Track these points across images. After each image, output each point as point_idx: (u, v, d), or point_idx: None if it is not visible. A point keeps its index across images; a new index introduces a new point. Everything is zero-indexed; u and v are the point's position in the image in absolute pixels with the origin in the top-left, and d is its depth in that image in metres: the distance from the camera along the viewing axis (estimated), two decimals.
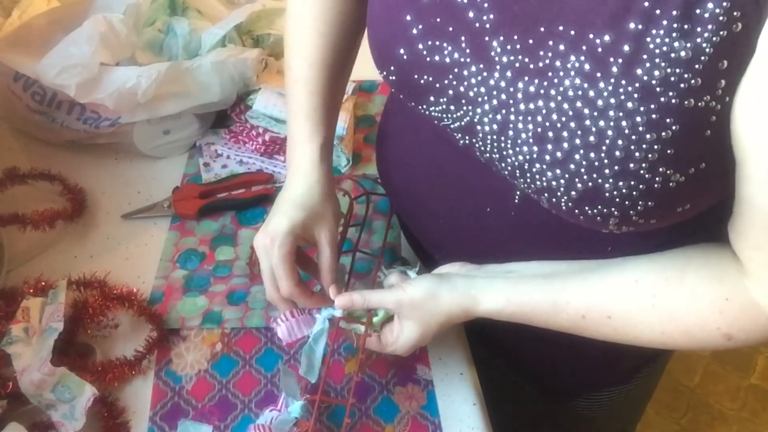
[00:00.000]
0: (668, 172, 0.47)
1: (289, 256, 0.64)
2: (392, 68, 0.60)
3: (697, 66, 0.44)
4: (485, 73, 0.54)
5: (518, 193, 0.60)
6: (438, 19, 0.55)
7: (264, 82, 0.97)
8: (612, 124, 0.47)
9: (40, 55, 0.83)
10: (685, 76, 0.44)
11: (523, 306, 0.61)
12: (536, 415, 0.95)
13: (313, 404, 0.66)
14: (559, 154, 0.50)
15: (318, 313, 0.67)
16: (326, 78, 0.73)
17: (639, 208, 0.50)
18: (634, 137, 0.47)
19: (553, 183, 0.52)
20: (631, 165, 0.48)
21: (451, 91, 0.57)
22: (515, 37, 0.51)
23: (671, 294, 0.55)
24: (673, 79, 0.44)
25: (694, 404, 1.79)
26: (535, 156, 0.52)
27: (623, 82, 0.46)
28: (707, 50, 0.43)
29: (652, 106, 0.45)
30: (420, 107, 0.61)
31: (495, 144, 0.56)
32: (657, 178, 0.48)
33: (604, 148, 0.48)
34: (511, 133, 0.54)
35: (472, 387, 0.73)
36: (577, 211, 0.53)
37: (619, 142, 0.47)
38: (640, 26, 0.44)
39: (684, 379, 1.83)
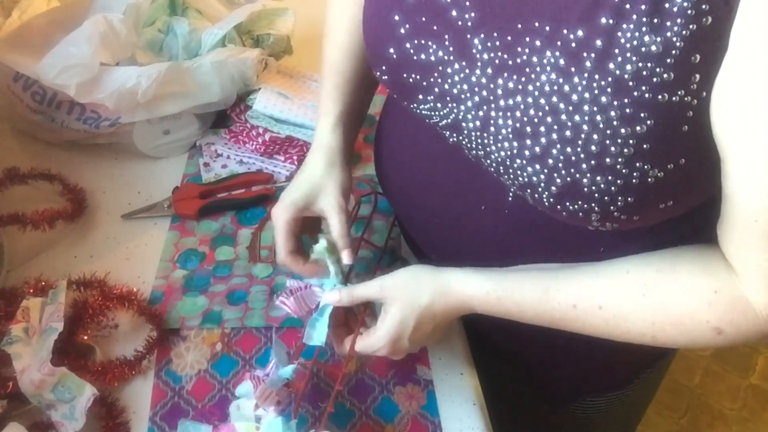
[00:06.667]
0: (645, 167, 0.48)
1: (285, 226, 0.68)
2: (383, 68, 0.61)
3: (668, 60, 0.44)
4: (467, 71, 0.54)
5: (511, 191, 0.61)
6: (423, 18, 0.56)
7: (264, 82, 0.97)
8: (587, 118, 0.48)
9: (40, 55, 0.83)
10: (657, 70, 0.44)
11: (512, 292, 0.60)
12: (535, 417, 0.95)
13: (305, 367, 0.68)
14: (537, 149, 0.51)
15: (317, 286, 0.68)
16: (353, 61, 0.74)
17: (619, 203, 0.50)
18: (608, 132, 0.47)
19: (534, 178, 0.52)
20: (607, 160, 0.48)
21: (436, 89, 0.58)
22: (495, 35, 0.52)
23: (662, 284, 0.55)
24: (645, 73, 0.45)
25: (694, 404, 1.79)
26: (515, 151, 0.53)
27: (596, 76, 0.46)
28: (678, 44, 0.43)
29: (626, 101, 0.46)
30: (411, 106, 0.62)
31: (479, 140, 0.57)
32: (634, 174, 0.48)
33: (579, 142, 0.48)
34: (492, 129, 0.54)
35: (472, 387, 0.73)
36: (559, 207, 0.53)
37: (594, 136, 0.48)
38: (611, 21, 0.45)
39: (684, 379, 1.83)
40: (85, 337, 0.73)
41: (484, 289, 0.61)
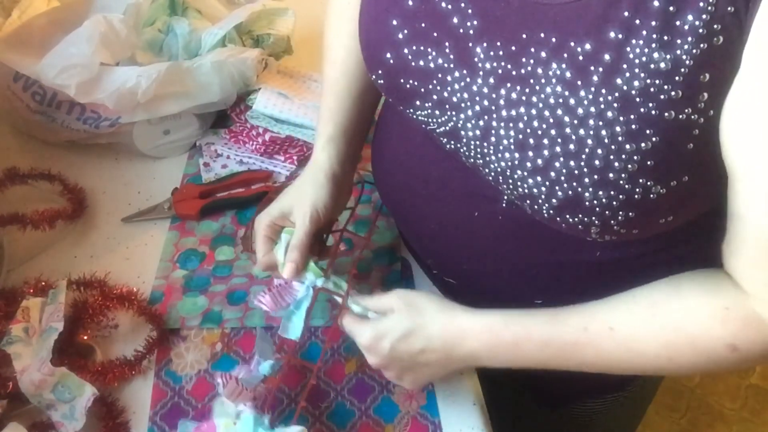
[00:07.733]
0: (648, 183, 0.47)
1: (260, 233, 0.70)
2: (380, 72, 0.60)
3: (677, 78, 0.44)
4: (468, 79, 0.54)
5: (505, 197, 0.60)
6: (423, 24, 0.55)
7: (264, 82, 0.97)
8: (592, 132, 0.47)
9: (40, 55, 0.83)
10: (665, 87, 0.44)
11: (520, 317, 0.58)
12: (534, 417, 0.95)
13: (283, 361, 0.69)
14: (539, 161, 0.50)
15: (298, 282, 0.69)
16: (348, 79, 0.74)
17: (620, 218, 0.50)
18: (613, 147, 0.47)
19: (535, 190, 0.52)
20: (611, 175, 0.48)
21: (435, 96, 0.57)
22: (498, 44, 0.51)
23: (669, 304, 0.54)
24: (652, 90, 0.44)
25: (694, 404, 1.79)
26: (516, 163, 0.52)
27: (603, 91, 0.46)
28: (687, 62, 0.43)
29: (632, 117, 0.45)
30: (407, 111, 0.61)
31: (478, 150, 0.56)
32: (637, 189, 0.48)
33: (583, 156, 0.48)
34: (493, 139, 0.54)
35: (472, 387, 0.73)
36: (558, 218, 0.52)
37: (599, 151, 0.47)
38: (620, 36, 0.45)
39: (684, 379, 1.83)
40: (85, 337, 0.73)
41: (489, 320, 0.59)
